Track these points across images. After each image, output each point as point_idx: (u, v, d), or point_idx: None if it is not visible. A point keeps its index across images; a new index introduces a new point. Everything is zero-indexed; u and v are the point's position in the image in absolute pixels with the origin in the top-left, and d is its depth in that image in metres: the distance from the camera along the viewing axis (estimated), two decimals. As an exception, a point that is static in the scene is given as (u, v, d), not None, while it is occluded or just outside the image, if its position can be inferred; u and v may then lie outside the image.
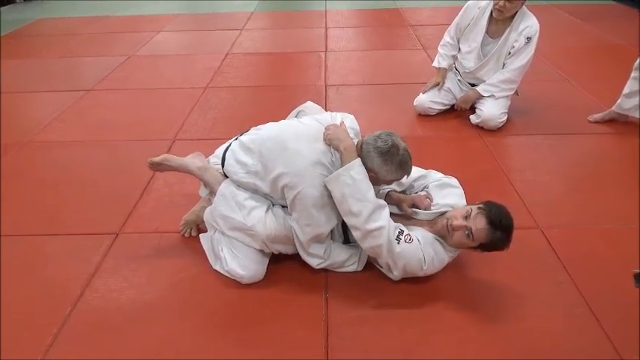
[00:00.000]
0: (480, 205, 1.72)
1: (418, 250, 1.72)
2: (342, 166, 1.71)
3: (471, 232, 1.68)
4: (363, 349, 1.60)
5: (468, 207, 1.76)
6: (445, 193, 1.93)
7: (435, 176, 2.04)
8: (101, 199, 2.37)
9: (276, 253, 1.87)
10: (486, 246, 1.71)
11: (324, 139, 1.77)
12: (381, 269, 1.85)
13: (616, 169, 2.59)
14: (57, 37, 5.12)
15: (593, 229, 2.13)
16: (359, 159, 1.71)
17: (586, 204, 2.30)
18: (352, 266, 1.88)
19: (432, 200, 1.90)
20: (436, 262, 1.76)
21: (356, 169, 1.68)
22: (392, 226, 1.70)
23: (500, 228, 1.67)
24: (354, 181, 1.67)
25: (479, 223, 1.67)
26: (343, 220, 1.87)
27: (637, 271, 1.24)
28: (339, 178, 1.69)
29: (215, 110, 3.33)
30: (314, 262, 1.84)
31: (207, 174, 1.96)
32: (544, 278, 1.87)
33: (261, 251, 1.85)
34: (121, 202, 2.34)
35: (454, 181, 2.01)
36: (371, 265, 1.89)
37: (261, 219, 1.79)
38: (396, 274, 1.78)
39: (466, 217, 1.70)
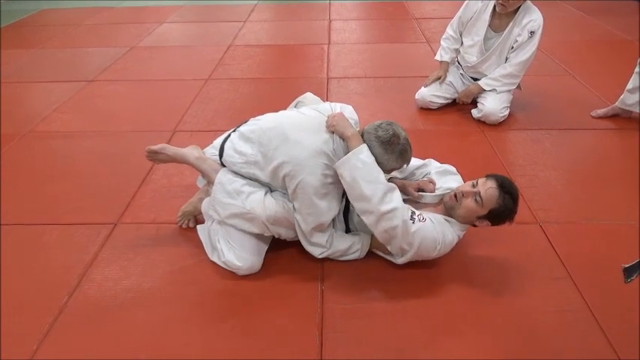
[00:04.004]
0: (486, 175, 1.78)
1: (433, 228, 1.74)
2: (348, 152, 1.72)
3: (480, 197, 1.71)
4: (356, 342, 1.60)
5: (474, 180, 1.80)
6: (446, 179, 1.98)
7: (435, 164, 2.09)
8: (100, 190, 2.38)
9: (276, 236, 1.86)
10: (495, 212, 1.73)
11: (328, 127, 1.77)
12: (385, 256, 1.86)
13: (618, 165, 2.57)
14: (60, 28, 5.11)
15: (592, 226, 2.12)
16: (365, 144, 1.71)
17: (586, 200, 2.29)
18: (355, 254, 1.88)
19: (435, 185, 1.93)
20: (447, 242, 1.78)
21: (365, 153, 1.69)
22: (405, 207, 1.71)
23: (508, 192, 1.71)
24: (364, 165, 1.67)
25: (489, 186, 1.72)
26: (344, 209, 1.89)
27: (626, 265, 1.22)
28: (349, 162, 1.68)
29: (216, 102, 3.32)
30: (316, 252, 1.84)
31: (205, 164, 1.95)
32: (542, 274, 1.86)
33: (259, 243, 1.85)
34: (120, 193, 2.34)
35: (453, 168, 2.06)
36: (368, 256, 1.89)
37: (260, 201, 1.78)
38: (408, 256, 1.77)
39: (473, 186, 1.75)
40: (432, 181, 1.95)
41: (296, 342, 1.60)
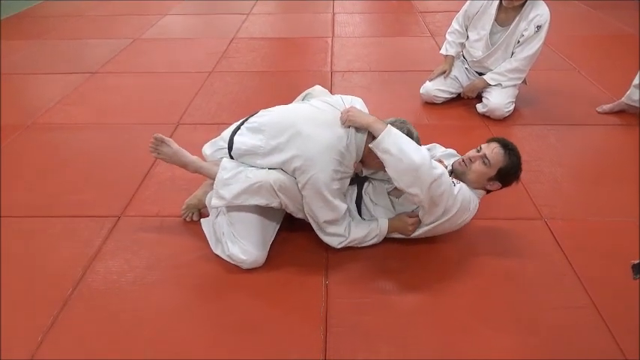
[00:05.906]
0: (487, 140, 1.90)
1: (466, 188, 1.82)
2: (362, 146, 1.76)
3: (487, 158, 1.81)
4: (361, 337, 1.59)
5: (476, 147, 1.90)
6: (452, 161, 1.99)
7: (440, 148, 2.21)
8: (104, 182, 2.37)
9: (283, 207, 1.81)
10: (504, 171, 1.82)
11: (343, 123, 1.74)
12: (400, 236, 1.90)
13: (624, 161, 2.55)
14: (62, 19, 5.09)
15: (597, 222, 2.11)
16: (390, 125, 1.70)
17: (592, 196, 2.28)
18: (374, 239, 1.89)
19: (445, 166, 1.94)
20: (472, 207, 1.85)
21: (396, 129, 1.69)
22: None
23: (512, 151, 1.83)
24: (403, 136, 1.68)
25: (493, 147, 1.83)
26: (357, 198, 1.92)
27: (635, 262, 1.21)
28: (390, 134, 1.66)
29: (220, 95, 3.31)
30: (335, 242, 1.83)
31: (204, 162, 1.96)
32: (546, 270, 1.85)
33: (264, 236, 1.85)
34: (124, 185, 2.33)
35: (456, 152, 2.15)
36: (374, 250, 1.89)
37: (265, 171, 1.76)
38: (441, 221, 1.79)
39: (478, 151, 1.86)
40: (441, 161, 1.98)
41: (300, 337, 1.60)
